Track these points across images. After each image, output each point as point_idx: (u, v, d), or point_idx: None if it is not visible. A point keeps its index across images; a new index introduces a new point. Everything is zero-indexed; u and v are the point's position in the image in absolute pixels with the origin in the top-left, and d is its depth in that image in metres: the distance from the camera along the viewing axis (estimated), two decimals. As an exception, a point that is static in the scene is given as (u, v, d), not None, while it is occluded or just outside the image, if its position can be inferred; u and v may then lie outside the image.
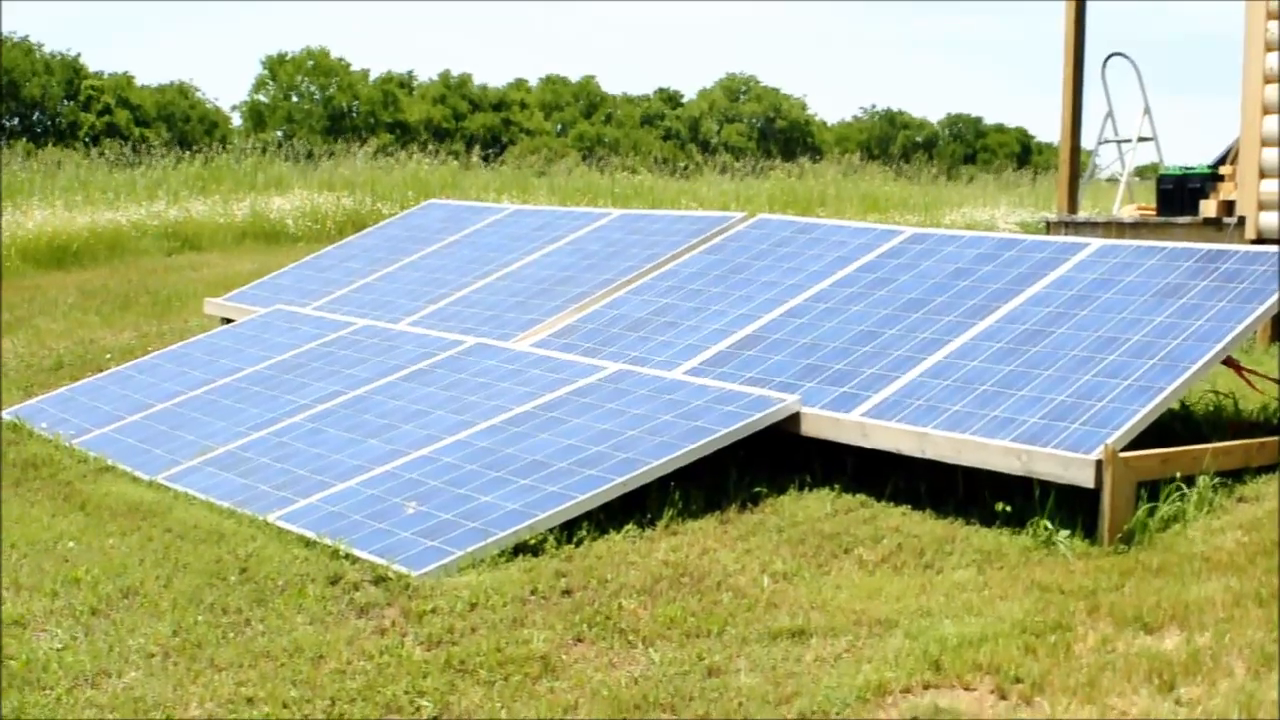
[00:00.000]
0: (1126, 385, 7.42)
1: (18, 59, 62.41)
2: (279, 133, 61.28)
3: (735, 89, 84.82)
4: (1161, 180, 14.20)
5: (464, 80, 76.98)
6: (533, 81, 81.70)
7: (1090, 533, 6.88)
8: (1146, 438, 7.21)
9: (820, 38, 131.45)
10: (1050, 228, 14.59)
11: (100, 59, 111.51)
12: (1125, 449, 6.96)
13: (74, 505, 8.23)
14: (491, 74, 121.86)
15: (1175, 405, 8.52)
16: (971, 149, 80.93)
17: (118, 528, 7.71)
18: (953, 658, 5.39)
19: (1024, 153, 77.58)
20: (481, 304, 11.25)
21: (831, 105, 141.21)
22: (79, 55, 67.81)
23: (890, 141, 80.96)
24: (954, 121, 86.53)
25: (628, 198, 26.11)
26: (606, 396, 8.64)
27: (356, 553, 7.03)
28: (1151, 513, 6.94)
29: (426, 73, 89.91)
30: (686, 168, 36.34)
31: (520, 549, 7.01)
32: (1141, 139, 16.71)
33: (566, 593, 6.47)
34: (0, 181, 22.78)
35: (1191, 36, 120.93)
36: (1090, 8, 14.90)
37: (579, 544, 7.09)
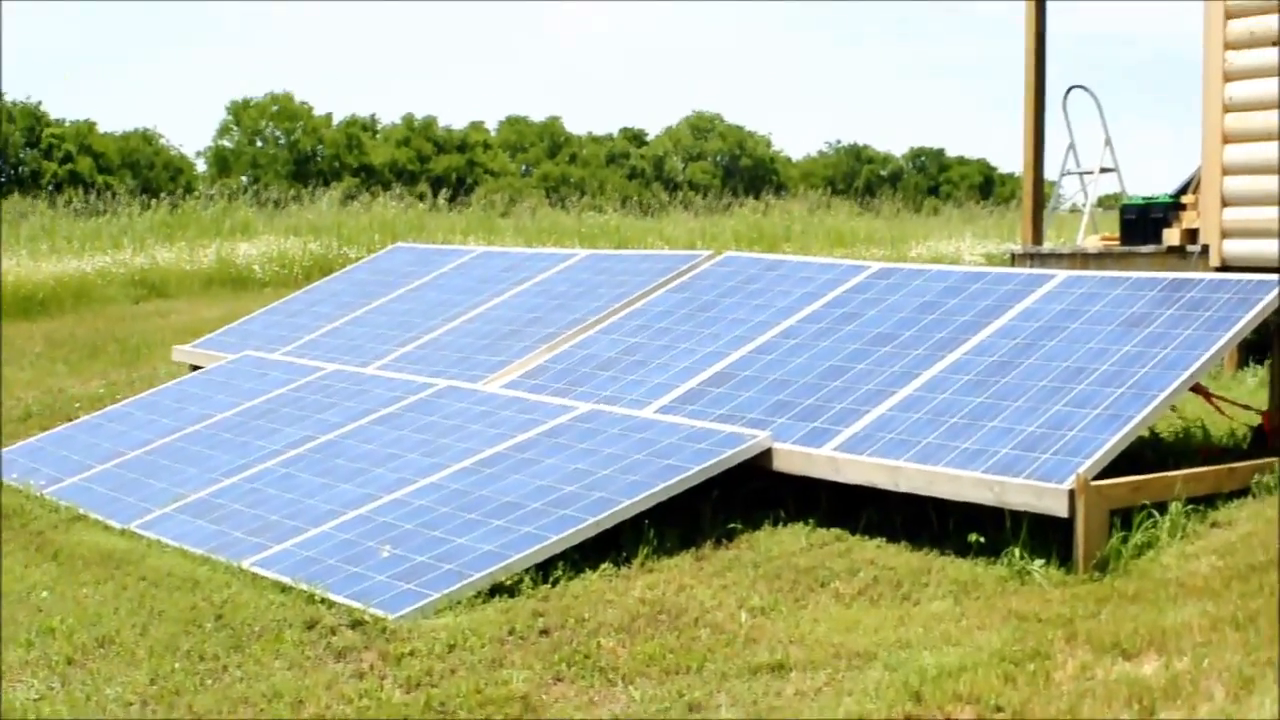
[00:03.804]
0: (1096, 414, 7.46)
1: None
2: (244, 178, 61.19)
3: (700, 127, 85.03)
4: (1125, 210, 14.28)
5: (428, 122, 77.04)
6: (492, 124, 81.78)
7: (1065, 561, 6.91)
8: (1117, 466, 7.25)
9: (784, 75, 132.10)
10: (1015, 259, 14.67)
11: (61, 106, 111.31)
12: (1097, 477, 6.99)
13: (46, 555, 8.19)
14: (456, 116, 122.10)
15: (1145, 433, 8.56)
16: (935, 182, 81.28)
17: (91, 577, 7.68)
18: (933, 688, 5.40)
19: (986, 184, 77.93)
20: (451, 346, 11.25)
21: (796, 141, 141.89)
22: (40, 103, 67.57)
23: (855, 176, 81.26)
24: (917, 154, 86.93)
25: (594, 237, 26.15)
26: (578, 436, 8.65)
27: (332, 597, 7.01)
28: (1125, 540, 6.97)
29: (390, 115, 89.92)
30: (652, 206, 36.39)
31: (496, 590, 7.01)
32: (1103, 170, 16.83)
33: (544, 632, 6.46)
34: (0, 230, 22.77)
35: (1154, 63, 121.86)
36: (1052, 36, 15.01)
37: (555, 584, 7.09)
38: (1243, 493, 7.63)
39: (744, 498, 8.23)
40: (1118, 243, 14.32)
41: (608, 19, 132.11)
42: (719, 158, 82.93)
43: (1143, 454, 8.34)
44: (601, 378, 9.75)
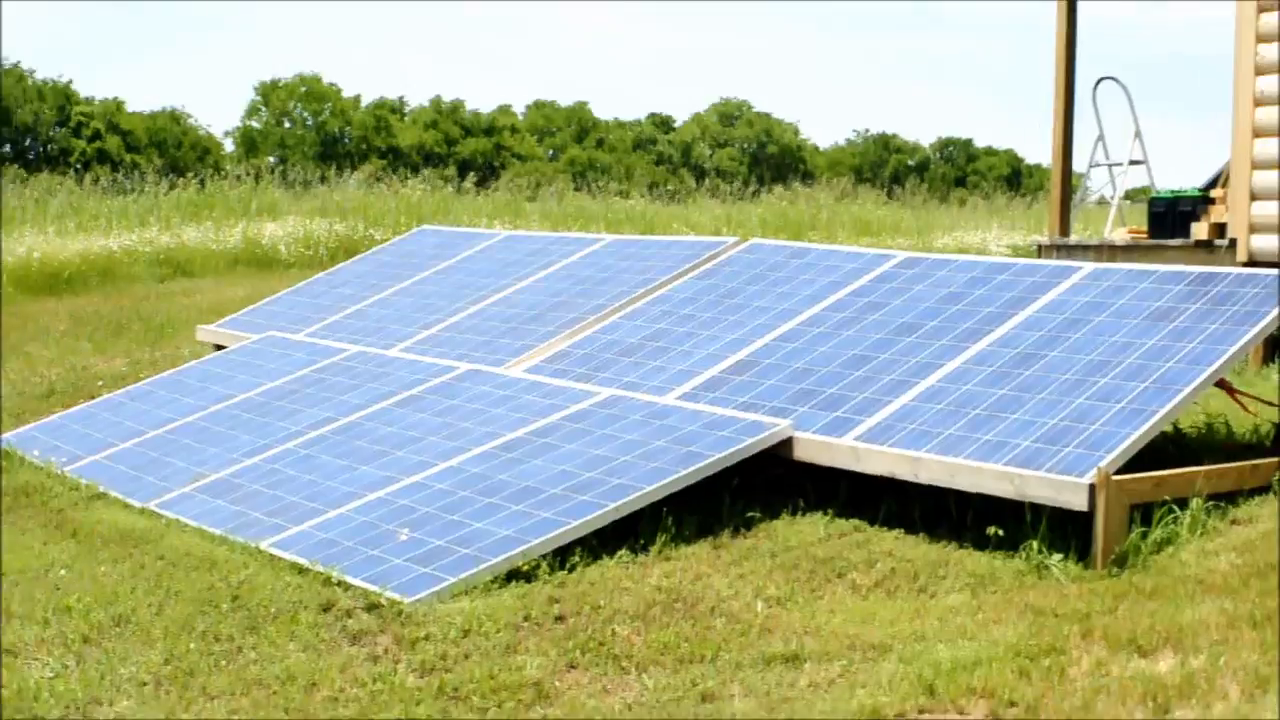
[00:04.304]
0: (1119, 408, 7.42)
1: (9, 86, 62.37)
2: (271, 159, 61.26)
3: (728, 114, 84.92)
4: (1153, 203, 14.21)
5: (456, 106, 77.07)
6: (519, 107, 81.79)
7: (1083, 556, 6.87)
8: (1139, 460, 7.21)
9: (813, 63, 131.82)
10: (1042, 251, 14.60)
11: (91, 85, 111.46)
12: (1118, 472, 6.96)
13: (65, 533, 8.21)
14: (484, 99, 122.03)
15: (1168, 428, 8.52)
16: (962, 172, 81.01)
17: (109, 555, 7.69)
18: (947, 682, 5.38)
19: (1014, 175, 77.64)
20: (474, 330, 11.25)
21: (824, 129, 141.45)
22: (70, 82, 67.72)
23: (882, 165, 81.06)
24: (945, 144, 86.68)
25: (620, 222, 26.12)
26: (599, 422, 8.63)
27: (349, 580, 7.01)
28: (1144, 536, 6.94)
29: (418, 98, 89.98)
30: (679, 192, 36.36)
31: (513, 575, 7.00)
32: (1133, 162, 16.72)
33: (559, 619, 6.46)
34: (1, 209, 22.80)
35: (1182, 58, 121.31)
36: (1081, 30, 14.92)
37: (572, 570, 7.08)
38: (1264, 490, 7.58)
39: (764, 486, 8.21)
40: (1145, 236, 14.25)
41: (637, 4, 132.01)
42: (746, 145, 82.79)
43: (1165, 449, 8.30)
44: (624, 364, 9.74)
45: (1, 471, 9.68)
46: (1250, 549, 6.74)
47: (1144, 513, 7.06)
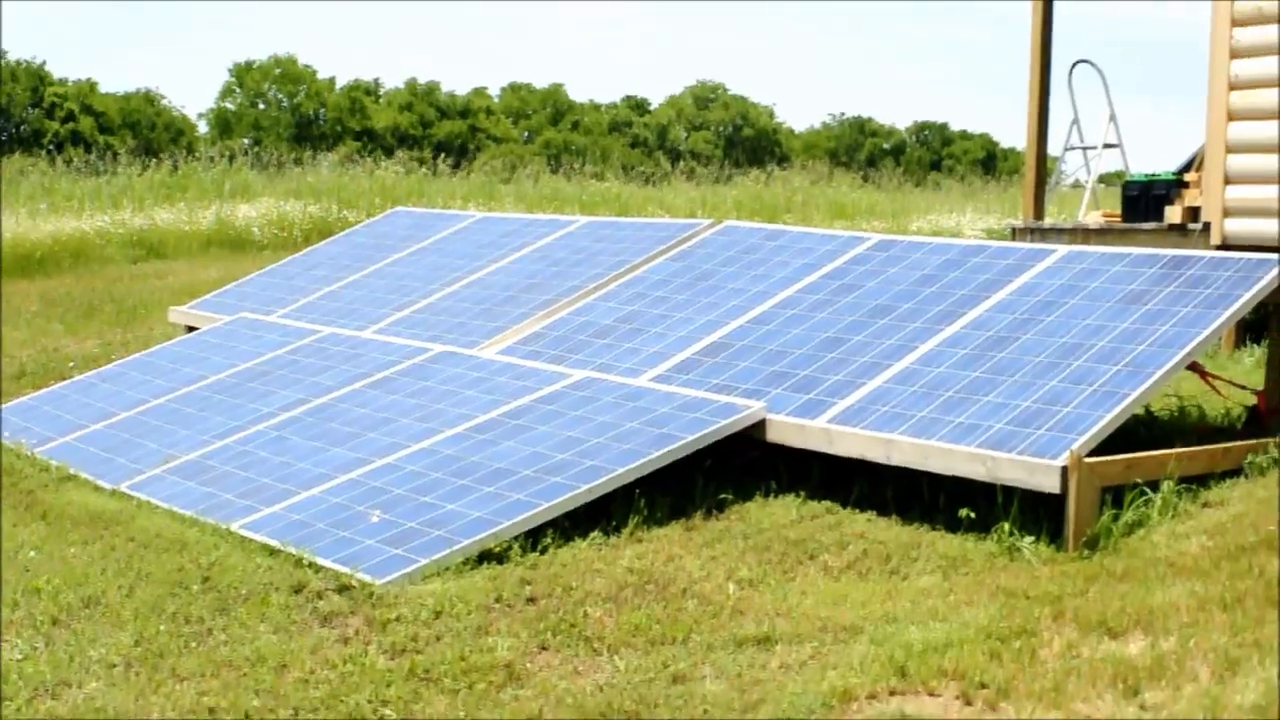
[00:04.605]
0: (1091, 391, 7.43)
1: (-19, 68, 62.19)
2: (246, 140, 61.04)
3: (703, 97, 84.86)
4: (1127, 186, 14.24)
5: (431, 88, 76.89)
6: (495, 90, 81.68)
7: (1055, 538, 6.88)
8: (1111, 443, 7.22)
9: (789, 46, 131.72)
10: (1016, 234, 14.62)
11: (65, 66, 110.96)
12: (1090, 454, 6.96)
13: (35, 514, 8.17)
14: (459, 81, 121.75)
15: (1140, 411, 8.53)
16: (938, 156, 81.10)
17: (79, 537, 7.66)
18: (918, 664, 5.38)
19: (989, 159, 77.79)
20: (448, 311, 11.22)
21: (799, 113, 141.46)
22: (44, 63, 67.40)
23: (858, 149, 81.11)
24: (921, 128, 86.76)
25: (595, 205, 26.07)
26: (572, 404, 8.62)
27: (320, 561, 6.99)
28: (1116, 518, 6.94)
29: (393, 80, 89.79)
30: (654, 175, 36.32)
31: (485, 557, 6.99)
32: (1107, 145, 16.74)
33: (531, 600, 6.44)
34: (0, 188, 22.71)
35: (1157, 42, 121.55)
36: (1057, 13, 14.94)
37: (544, 552, 7.06)
38: (1236, 473, 7.60)
39: (737, 468, 8.21)
40: (1119, 219, 14.28)
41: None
42: (721, 128, 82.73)
43: (1137, 431, 8.31)
44: (597, 345, 9.72)
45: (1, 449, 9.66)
46: (1221, 531, 6.75)
47: (1115, 495, 7.07)
